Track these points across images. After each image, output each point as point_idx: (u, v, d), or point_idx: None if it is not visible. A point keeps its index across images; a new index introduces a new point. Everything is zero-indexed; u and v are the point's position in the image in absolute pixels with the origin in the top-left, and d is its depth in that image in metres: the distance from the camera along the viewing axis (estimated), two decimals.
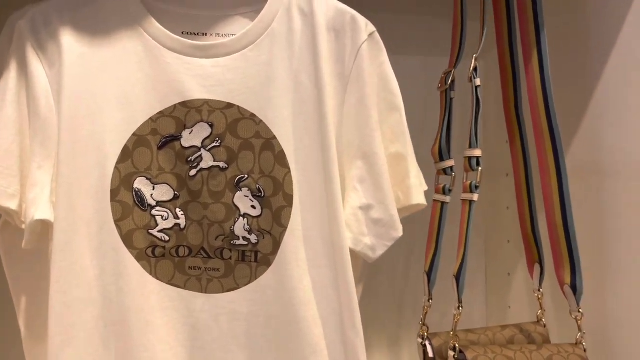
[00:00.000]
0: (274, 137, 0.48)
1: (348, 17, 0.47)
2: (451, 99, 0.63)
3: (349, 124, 0.47)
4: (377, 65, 0.48)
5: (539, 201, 0.67)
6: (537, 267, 0.69)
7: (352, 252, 0.47)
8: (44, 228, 0.47)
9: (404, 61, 0.86)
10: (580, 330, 0.64)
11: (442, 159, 0.63)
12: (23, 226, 0.47)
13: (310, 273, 0.47)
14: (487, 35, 0.70)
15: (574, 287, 0.64)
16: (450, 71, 0.63)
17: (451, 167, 0.63)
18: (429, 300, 0.64)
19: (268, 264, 0.48)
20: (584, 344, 0.63)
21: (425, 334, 0.64)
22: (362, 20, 0.48)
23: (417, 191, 0.48)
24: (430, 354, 0.63)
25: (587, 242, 0.70)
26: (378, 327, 0.87)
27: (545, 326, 0.68)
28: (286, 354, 0.47)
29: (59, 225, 0.46)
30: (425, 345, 0.63)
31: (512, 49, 0.68)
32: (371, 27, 0.48)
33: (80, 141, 0.47)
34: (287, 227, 0.47)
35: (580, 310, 0.64)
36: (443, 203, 0.63)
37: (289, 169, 0.47)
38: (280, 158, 0.48)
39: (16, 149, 0.47)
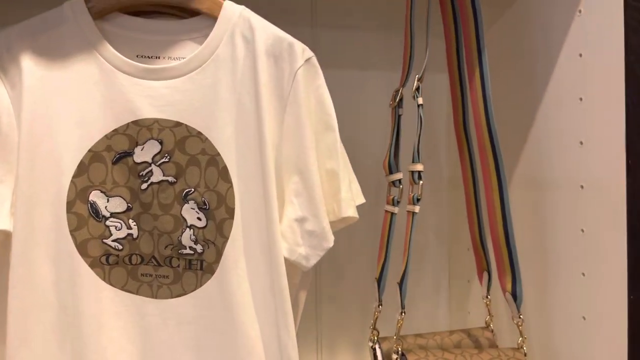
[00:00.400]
0: (218, 154, 0.52)
1: (286, 44, 0.51)
2: (399, 115, 0.67)
3: (288, 142, 0.51)
4: (314, 88, 0.52)
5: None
6: (485, 274, 0.73)
7: (288, 261, 0.51)
8: (6, 238, 0.51)
9: (371, 76, 0.90)
10: (521, 335, 0.68)
11: (391, 172, 0.67)
12: None
13: (249, 280, 0.50)
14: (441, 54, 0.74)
15: (514, 295, 0.67)
16: (399, 89, 0.67)
17: (399, 180, 0.66)
18: (379, 306, 0.67)
19: (212, 271, 0.52)
20: (524, 348, 0.66)
21: (376, 338, 0.67)
22: (299, 47, 0.52)
23: (348, 204, 0.52)
24: (380, 358, 0.66)
25: (531, 252, 0.74)
26: (343, 332, 0.90)
27: (492, 331, 0.71)
28: (226, 355, 0.50)
29: (17, 235, 0.50)
30: (375, 349, 0.66)
31: (460, 69, 0.71)
32: (308, 53, 0.52)
33: (39, 157, 0.51)
34: (228, 238, 0.51)
35: (521, 316, 0.68)
36: (392, 213, 0.67)
37: (232, 183, 0.51)
38: (224, 173, 0.51)
39: None
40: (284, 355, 0.49)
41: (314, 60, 0.52)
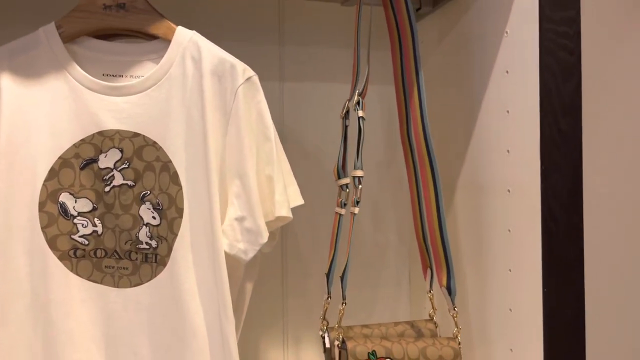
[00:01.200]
0: (170, 161, 0.59)
1: (228, 64, 0.58)
2: (346, 126, 0.74)
3: (230, 150, 0.58)
4: (254, 103, 0.59)
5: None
6: (429, 271, 0.79)
7: (229, 255, 0.58)
8: None
9: (335, 89, 0.97)
10: (456, 325, 0.74)
11: (339, 177, 0.74)
12: None
13: (195, 272, 0.57)
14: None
15: (449, 289, 0.74)
16: (346, 102, 0.74)
17: (347, 184, 0.73)
18: (328, 299, 0.74)
19: (164, 264, 0.59)
20: (459, 338, 0.73)
21: (325, 327, 0.73)
22: (240, 67, 0.59)
23: (281, 206, 0.58)
24: (327, 345, 0.73)
25: (466, 250, 0.80)
26: (308, 326, 0.97)
27: (435, 323, 0.78)
28: (175, 337, 0.58)
29: None
30: (324, 337, 0.73)
31: (404, 84, 0.78)
32: (249, 73, 0.59)
33: (16, 163, 0.59)
34: (177, 234, 0.58)
35: (455, 308, 0.75)
36: (340, 215, 0.74)
37: (181, 187, 0.58)
38: (175, 178, 0.59)
39: None
40: (224, 337, 0.56)
41: (255, 79, 0.59)
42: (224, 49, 0.87)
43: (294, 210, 0.93)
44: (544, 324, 0.64)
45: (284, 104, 0.94)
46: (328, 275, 0.74)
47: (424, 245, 0.79)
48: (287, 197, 0.59)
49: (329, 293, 0.74)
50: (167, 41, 0.60)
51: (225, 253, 0.57)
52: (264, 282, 0.92)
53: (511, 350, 0.70)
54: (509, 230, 0.70)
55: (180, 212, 0.58)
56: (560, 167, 0.64)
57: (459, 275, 0.83)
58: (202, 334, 0.56)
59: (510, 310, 0.70)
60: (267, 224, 0.59)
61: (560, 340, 0.64)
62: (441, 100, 0.86)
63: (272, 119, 0.92)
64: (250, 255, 0.57)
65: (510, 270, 0.70)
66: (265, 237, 0.57)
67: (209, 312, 0.57)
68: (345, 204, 0.73)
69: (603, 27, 1.03)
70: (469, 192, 0.79)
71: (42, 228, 0.59)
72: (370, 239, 0.99)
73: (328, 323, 0.74)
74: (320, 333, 0.73)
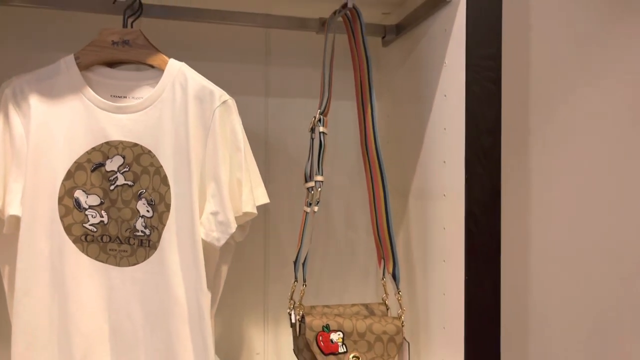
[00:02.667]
0: (161, 166, 0.74)
1: (208, 91, 0.73)
2: (312, 139, 0.88)
3: (209, 159, 0.73)
4: (229, 121, 0.74)
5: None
6: (382, 261, 0.94)
7: (205, 241, 0.72)
8: (17, 221, 0.74)
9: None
10: (401, 307, 0.88)
11: (306, 181, 0.88)
12: (4, 219, 0.74)
13: (178, 254, 0.72)
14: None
15: (394, 276, 0.88)
16: (313, 119, 0.88)
17: (312, 187, 0.88)
18: (295, 282, 0.88)
19: (155, 248, 0.74)
20: (402, 318, 0.87)
21: (292, 306, 0.88)
22: (218, 93, 0.74)
23: (247, 204, 0.73)
24: (293, 320, 0.87)
25: (411, 244, 0.94)
26: (286, 307, 1.11)
27: (387, 306, 0.92)
28: (161, 305, 0.73)
29: (24, 219, 0.73)
30: (290, 314, 0.87)
31: (362, 102, 0.92)
32: (225, 97, 0.74)
33: (41, 165, 0.74)
34: (165, 225, 0.73)
35: (400, 292, 0.89)
36: (307, 213, 0.88)
37: (169, 187, 0.74)
38: (164, 180, 0.74)
39: (1, 169, 0.74)
40: (199, 305, 0.71)
41: (230, 102, 0.74)
42: (219, 69, 1.04)
43: (275, 208, 1.08)
44: (464, 306, 0.78)
45: (269, 116, 1.08)
46: (295, 262, 0.89)
47: (378, 239, 0.93)
48: (253, 197, 0.74)
49: (296, 278, 0.89)
50: (161, 70, 0.75)
51: (202, 240, 0.72)
52: (248, 271, 1.07)
53: (444, 328, 0.84)
54: (444, 228, 0.84)
55: (168, 207, 0.73)
56: (481, 177, 0.78)
57: (406, 265, 0.98)
58: (182, 303, 0.72)
59: (444, 294, 0.84)
60: (237, 218, 0.74)
61: (479, 319, 0.78)
62: (402, 116, 1.00)
63: (258, 129, 1.08)
64: (222, 241, 0.72)
65: (444, 261, 0.84)
66: (233, 227, 0.72)
67: (189, 286, 0.72)
68: (310, 204, 0.87)
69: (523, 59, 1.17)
70: (417, 196, 0.94)
71: (60, 217, 0.74)
72: (343, 234, 1.13)
73: (295, 302, 0.88)
74: (288, 311, 0.88)
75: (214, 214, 0.72)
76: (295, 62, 1.08)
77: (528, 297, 1.20)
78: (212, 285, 0.76)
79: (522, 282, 1.18)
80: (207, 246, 0.73)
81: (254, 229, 1.07)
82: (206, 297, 0.71)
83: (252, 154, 0.77)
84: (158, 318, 0.73)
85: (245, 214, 0.73)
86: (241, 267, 1.05)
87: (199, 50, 1.02)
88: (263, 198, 0.76)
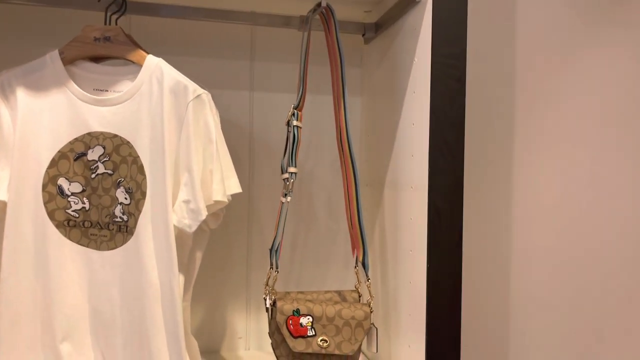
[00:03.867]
0: (138, 156, 0.79)
1: (182, 85, 0.77)
2: (288, 132, 0.92)
3: (182, 150, 0.77)
4: (202, 115, 0.78)
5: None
6: (356, 250, 0.97)
7: (178, 228, 0.77)
8: (3, 206, 0.79)
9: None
10: (370, 294, 0.92)
11: (282, 173, 0.92)
12: None
13: (153, 239, 0.77)
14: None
15: (364, 264, 0.92)
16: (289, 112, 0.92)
17: (287, 178, 0.92)
18: (270, 269, 0.93)
19: (132, 233, 0.79)
20: (371, 304, 0.91)
21: (268, 291, 0.92)
22: (191, 87, 0.78)
23: (217, 193, 0.77)
24: (267, 305, 0.91)
25: (387, 234, 0.98)
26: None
27: (359, 293, 0.96)
28: (137, 287, 0.77)
29: (10, 204, 0.78)
30: (265, 299, 0.91)
31: (337, 98, 0.96)
32: (199, 91, 0.78)
33: (27, 154, 0.79)
34: (141, 211, 0.78)
35: (369, 280, 0.93)
36: (283, 203, 0.92)
37: (145, 176, 0.78)
38: (141, 169, 0.78)
39: None
40: (171, 289, 0.76)
41: (203, 96, 0.78)
42: (206, 65, 1.08)
43: (259, 199, 1.13)
44: (427, 294, 0.82)
45: (254, 110, 1.12)
46: (271, 250, 0.93)
47: (351, 229, 0.97)
48: (224, 186, 0.78)
49: (271, 264, 0.93)
50: (140, 65, 0.80)
51: (175, 226, 0.76)
52: (231, 259, 1.12)
53: (410, 314, 0.88)
54: (411, 219, 0.88)
55: (144, 195, 0.78)
56: (444, 171, 0.82)
57: (380, 254, 1.01)
58: (156, 285, 0.76)
59: (410, 282, 0.88)
60: (208, 206, 0.78)
61: (440, 307, 0.82)
62: (379, 111, 1.04)
63: (243, 122, 1.12)
64: (194, 228, 0.76)
65: (411, 251, 0.88)
66: (204, 215, 0.76)
67: (162, 269, 0.76)
68: (286, 194, 0.91)
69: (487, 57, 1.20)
70: (390, 188, 0.97)
71: (44, 203, 0.79)
72: (324, 225, 1.17)
73: (270, 288, 0.92)
74: (263, 296, 0.92)
75: (186, 202, 0.76)
76: (279, 58, 1.12)
77: (509, 293, 1.23)
78: (186, 270, 0.81)
79: (504, 275, 1.22)
80: (180, 232, 0.78)
81: (238, 219, 1.11)
82: (176, 278, 0.76)
83: (225, 146, 0.81)
84: (134, 299, 0.78)
85: (217, 202, 0.78)
86: (225, 255, 1.09)
87: (187, 47, 1.07)
88: (235, 188, 0.80)
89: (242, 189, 1.11)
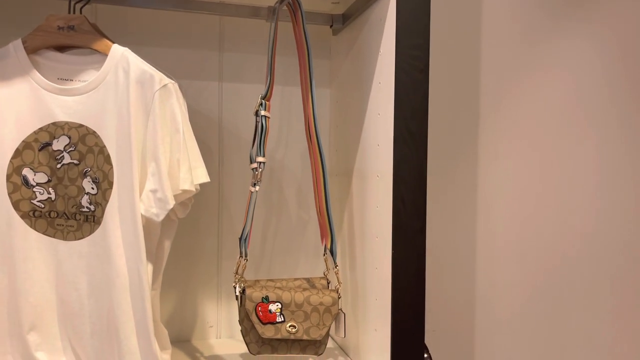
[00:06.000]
0: (105, 146, 0.79)
1: (148, 75, 0.78)
2: (256, 121, 0.93)
3: (149, 140, 0.78)
4: (168, 105, 0.79)
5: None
6: (324, 239, 0.99)
7: (145, 217, 0.77)
8: None
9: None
10: (338, 280, 0.94)
11: (251, 162, 0.93)
12: None
13: (120, 229, 0.77)
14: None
15: (332, 251, 0.94)
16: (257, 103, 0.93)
17: (255, 168, 0.93)
18: (239, 257, 0.94)
19: (99, 223, 0.79)
20: (339, 290, 0.93)
21: (237, 279, 0.93)
22: (157, 77, 0.78)
23: (184, 182, 0.78)
24: (237, 293, 0.92)
25: (355, 221, 1.00)
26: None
27: (327, 280, 0.98)
28: (105, 277, 0.78)
29: None
30: (235, 287, 0.92)
31: (305, 88, 0.97)
32: (165, 81, 0.78)
33: None
34: (108, 201, 0.78)
35: (337, 266, 0.95)
36: (252, 192, 0.93)
37: (112, 165, 0.78)
38: (108, 159, 0.78)
39: None
40: (139, 278, 0.77)
41: (170, 86, 0.79)
42: (176, 55, 1.08)
43: (229, 189, 1.13)
44: (392, 278, 0.84)
45: (223, 100, 1.13)
46: (240, 239, 0.94)
47: (319, 218, 0.99)
48: (192, 175, 0.79)
49: (240, 252, 0.94)
50: (105, 55, 0.79)
51: (142, 215, 0.77)
52: (202, 248, 1.12)
53: (376, 299, 0.91)
54: (377, 207, 0.90)
55: (111, 184, 0.78)
56: (408, 160, 0.84)
57: (348, 241, 1.04)
58: (124, 274, 0.77)
59: (377, 268, 0.91)
60: (176, 196, 0.78)
61: (404, 292, 0.84)
62: (347, 102, 1.05)
63: (213, 113, 1.12)
64: (161, 217, 0.77)
65: (377, 237, 0.90)
66: (171, 204, 0.77)
67: (130, 259, 0.77)
68: (255, 184, 0.92)
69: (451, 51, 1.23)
70: (358, 177, 0.99)
71: (8, 194, 0.78)
72: (295, 214, 1.18)
73: (240, 276, 0.93)
74: (233, 284, 0.93)
75: (153, 191, 0.77)
76: (248, 48, 1.13)
77: (474, 278, 1.27)
78: (154, 259, 0.82)
79: (469, 260, 1.25)
80: (148, 221, 0.78)
81: (208, 208, 1.12)
82: (145, 267, 0.76)
83: (192, 136, 0.81)
84: (102, 289, 0.78)
85: (184, 191, 0.78)
86: (196, 244, 1.10)
87: (154, 36, 1.06)
88: (203, 177, 0.81)
89: (212, 178, 1.12)
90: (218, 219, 1.13)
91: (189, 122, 0.82)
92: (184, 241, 1.08)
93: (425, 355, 0.88)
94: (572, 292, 1.33)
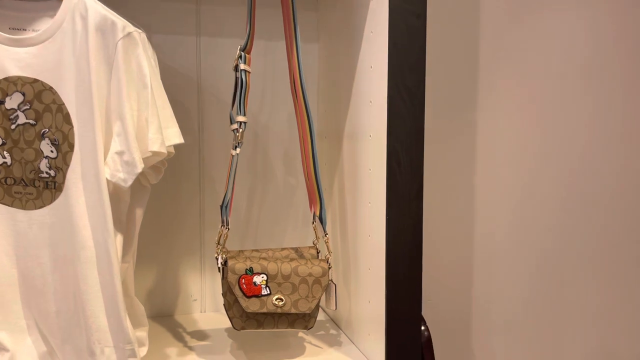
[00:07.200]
0: (63, 104, 0.70)
1: (110, 22, 0.68)
2: (236, 78, 0.84)
3: (113, 96, 0.69)
4: (134, 56, 0.70)
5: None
6: (313, 205, 0.92)
7: (111, 182, 0.69)
8: None
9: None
10: (328, 250, 0.87)
11: (231, 123, 0.85)
12: None
13: (84, 196, 0.69)
14: None
15: (321, 218, 0.87)
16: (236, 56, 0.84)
17: (236, 129, 0.84)
18: (221, 226, 0.86)
19: (61, 190, 0.71)
20: (329, 260, 0.86)
21: (219, 250, 0.86)
22: (120, 24, 0.69)
23: (154, 142, 0.69)
24: (219, 265, 0.85)
25: (346, 186, 0.93)
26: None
27: (317, 249, 0.91)
28: (69, 249, 0.70)
29: None
30: (217, 258, 0.85)
31: (290, 42, 0.88)
32: (129, 29, 0.69)
33: None
34: (70, 165, 0.70)
35: (327, 235, 0.88)
36: (233, 156, 0.85)
37: (72, 125, 0.70)
38: (67, 118, 0.70)
39: None
40: (106, 250, 0.69)
41: (135, 34, 0.69)
42: (147, 7, 0.97)
43: (210, 153, 1.05)
44: (386, 247, 0.78)
45: (201, 56, 1.03)
46: (222, 206, 0.86)
47: (307, 183, 0.91)
48: (162, 136, 0.70)
49: (222, 221, 0.86)
50: (60, 0, 0.70)
51: (108, 181, 0.69)
52: (183, 217, 1.05)
53: (369, 269, 0.84)
54: (370, 170, 0.83)
55: (71, 146, 0.70)
56: (404, 117, 0.76)
57: (339, 208, 0.96)
58: (89, 246, 0.69)
59: (369, 236, 0.84)
60: (146, 158, 0.70)
61: (400, 260, 0.78)
62: (337, 57, 0.96)
63: (190, 70, 1.03)
64: (129, 182, 0.69)
65: (370, 203, 0.83)
66: (140, 168, 0.69)
67: (96, 228, 0.69)
68: (236, 146, 0.84)
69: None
70: (349, 139, 0.91)
71: None
72: (282, 180, 1.11)
73: (222, 247, 0.86)
74: (215, 255, 0.86)
75: (119, 153, 0.69)
76: (227, 0, 1.03)
77: (473, 245, 1.21)
78: (124, 228, 0.74)
79: (467, 227, 1.19)
80: (115, 188, 0.70)
81: (189, 175, 1.04)
82: (111, 238, 0.69)
83: (163, 92, 0.73)
84: (66, 263, 0.71)
85: (154, 153, 0.70)
86: (177, 212, 1.03)
87: None
88: (175, 138, 0.73)
89: (192, 143, 1.04)
90: (199, 186, 1.06)
91: (159, 77, 0.73)
92: (165, 210, 1.01)
93: (423, 328, 0.82)
94: (575, 251, 1.28)
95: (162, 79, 0.75)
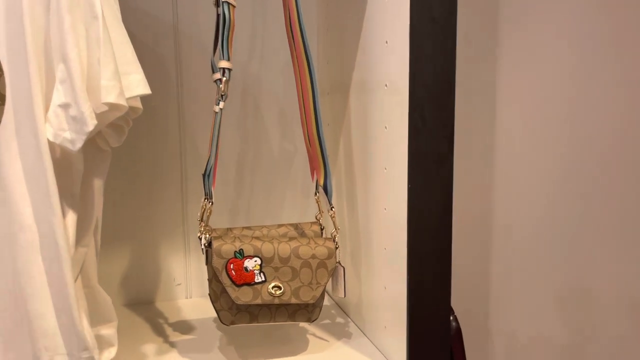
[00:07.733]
0: None
1: None
2: (217, 15, 0.67)
3: (53, 29, 0.52)
4: None
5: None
6: (315, 173, 0.77)
7: (55, 144, 0.53)
8: None
9: None
10: (334, 226, 0.72)
11: (213, 72, 0.68)
12: None
13: (21, 160, 0.53)
14: None
15: (325, 188, 0.72)
16: None
17: (219, 79, 0.68)
18: (204, 199, 0.71)
19: None
20: (336, 238, 0.71)
21: (202, 228, 0.71)
22: None
23: (108, 92, 0.53)
24: (202, 246, 0.70)
25: (355, 150, 0.77)
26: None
27: (321, 225, 0.76)
28: (6, 229, 0.55)
29: None
30: (200, 238, 0.70)
31: None
32: None
33: None
34: (0, 123, 0.54)
35: (333, 208, 0.73)
36: (216, 112, 0.69)
37: (2, 72, 0.53)
38: None
39: None
40: (52, 231, 0.54)
41: None
42: None
43: (192, 113, 0.90)
44: (408, 222, 0.63)
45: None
46: (204, 175, 0.71)
47: (309, 147, 0.75)
48: (120, 84, 0.54)
49: (206, 193, 0.71)
50: None
51: (51, 142, 0.53)
52: (164, 189, 0.91)
53: (385, 249, 0.70)
54: (386, 128, 0.67)
55: (2, 99, 0.53)
56: (431, 58, 0.60)
57: (347, 176, 0.81)
58: (29, 227, 0.54)
59: (385, 209, 0.69)
60: (102, 114, 0.54)
61: (424, 237, 0.63)
62: (344, 9, 0.79)
63: (166, 14, 0.86)
64: (78, 145, 0.53)
65: (385, 169, 0.68)
66: (91, 125, 0.52)
67: (37, 206, 0.54)
68: (220, 101, 0.68)
69: None
70: (358, 91, 0.75)
71: None
72: (277, 145, 0.96)
73: (206, 224, 0.71)
74: (198, 234, 0.71)
75: (64, 106, 0.52)
76: None
77: (492, 215, 1.07)
78: (79, 204, 0.58)
79: (486, 192, 1.05)
80: (63, 151, 0.55)
81: (168, 140, 0.90)
82: (57, 217, 0.53)
83: (121, 27, 0.56)
84: (3, 248, 0.55)
85: (111, 106, 0.54)
86: (154, 184, 0.91)
87: None
88: (139, 87, 0.56)
89: (170, 99, 0.88)
90: (180, 153, 0.91)
91: (116, 7, 0.56)
92: (140, 178, 0.89)
93: (451, 318, 0.68)
94: (594, 191, 1.12)
95: (128, 21, 0.59)
